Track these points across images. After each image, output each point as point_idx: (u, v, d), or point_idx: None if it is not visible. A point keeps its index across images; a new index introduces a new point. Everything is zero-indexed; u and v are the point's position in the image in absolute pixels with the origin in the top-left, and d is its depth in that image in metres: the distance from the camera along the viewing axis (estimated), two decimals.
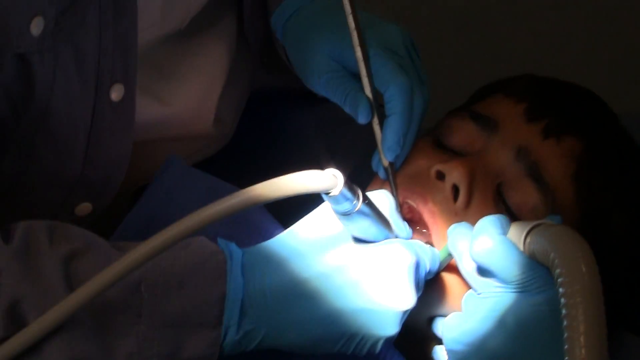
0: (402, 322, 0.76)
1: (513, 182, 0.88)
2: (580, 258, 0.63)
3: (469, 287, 0.81)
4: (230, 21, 1.07)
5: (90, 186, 0.92)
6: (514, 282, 0.70)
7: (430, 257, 0.79)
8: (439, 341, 0.88)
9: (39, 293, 0.69)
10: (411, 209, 0.88)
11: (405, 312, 0.75)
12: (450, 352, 0.74)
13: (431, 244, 0.86)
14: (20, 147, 0.86)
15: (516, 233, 0.71)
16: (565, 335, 0.61)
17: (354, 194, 0.69)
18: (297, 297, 0.72)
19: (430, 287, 0.85)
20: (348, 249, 0.75)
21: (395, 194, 0.88)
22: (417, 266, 0.76)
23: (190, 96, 1.03)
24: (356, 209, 0.70)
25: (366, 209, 0.72)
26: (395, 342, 0.89)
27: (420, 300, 0.85)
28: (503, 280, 0.71)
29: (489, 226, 0.72)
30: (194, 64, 1.04)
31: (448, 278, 0.86)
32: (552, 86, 1.00)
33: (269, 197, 0.64)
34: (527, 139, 0.90)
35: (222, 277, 0.71)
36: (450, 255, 0.83)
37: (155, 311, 0.70)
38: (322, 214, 0.77)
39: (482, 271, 0.74)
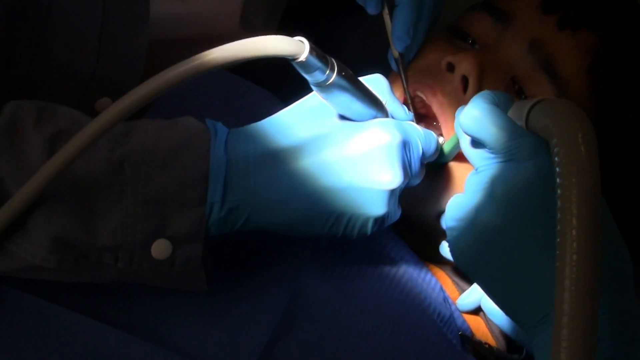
0: (390, 201, 0.73)
1: (526, 75, 0.86)
2: (580, 138, 0.59)
3: None
4: None
5: (107, 82, 0.90)
6: (502, 149, 0.66)
7: (423, 139, 0.76)
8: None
9: (22, 170, 0.67)
10: (423, 103, 0.85)
11: (391, 191, 0.72)
12: (447, 230, 0.71)
13: (442, 136, 0.83)
14: (29, 40, 0.84)
15: (518, 110, 0.67)
16: (558, 216, 0.58)
17: (326, 63, 0.66)
18: (281, 173, 0.70)
19: (439, 179, 0.83)
20: (333, 126, 0.72)
21: (406, 86, 0.85)
22: (405, 145, 0.73)
23: None
24: (331, 80, 0.67)
25: (344, 82, 0.68)
26: (404, 237, 0.87)
27: (429, 193, 0.83)
28: (492, 149, 0.67)
29: (479, 97, 0.69)
30: None
31: (457, 168, 0.84)
32: None
33: (231, 58, 0.61)
34: (541, 31, 0.87)
35: (205, 155, 0.68)
36: (456, 146, 0.80)
37: (138, 189, 0.67)
38: (309, 100, 0.74)
39: (475, 143, 0.70)
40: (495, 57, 0.86)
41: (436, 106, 0.85)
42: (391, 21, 0.85)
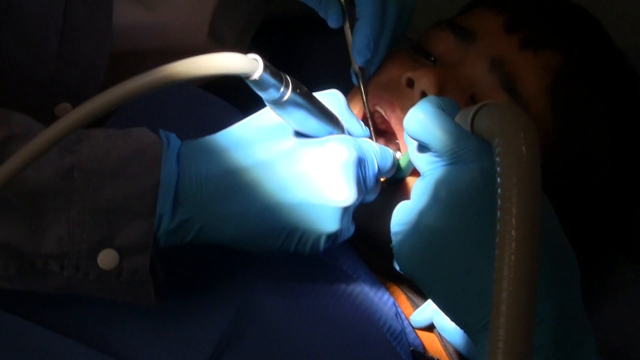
0: (344, 218, 0.72)
1: (486, 93, 0.85)
2: (521, 138, 0.58)
3: None
4: None
5: (67, 87, 0.89)
6: (447, 152, 0.66)
7: (379, 156, 0.75)
8: None
9: None
10: (382, 118, 0.85)
11: (345, 208, 0.71)
12: (393, 236, 0.70)
13: (399, 151, 0.83)
14: None
15: (464, 115, 0.67)
16: (498, 216, 0.57)
17: (280, 80, 0.65)
18: (233, 187, 0.69)
19: (395, 194, 0.82)
20: (288, 142, 0.71)
21: (365, 101, 0.85)
22: (360, 162, 0.72)
23: (177, 2, 1.00)
24: (285, 97, 0.66)
25: (299, 99, 0.67)
26: (359, 252, 0.86)
27: (385, 209, 0.82)
28: (437, 152, 0.66)
29: (424, 101, 0.69)
30: None
31: (410, 183, 0.83)
32: (539, 2, 0.96)
33: (184, 76, 0.59)
34: (503, 50, 0.87)
35: (157, 165, 0.67)
36: (411, 163, 0.79)
37: (87, 197, 0.66)
38: (265, 115, 0.73)
39: (421, 148, 0.70)
40: (456, 74, 0.86)
41: (394, 121, 0.85)
42: (352, 35, 0.85)
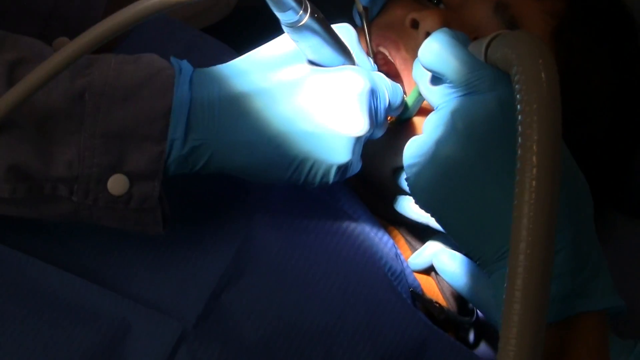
0: (355, 150, 0.71)
1: None
2: (540, 64, 0.58)
3: None
4: None
5: (66, 20, 0.87)
6: (463, 82, 0.65)
7: (390, 88, 0.74)
8: (404, 194, 0.85)
9: None
10: (385, 60, 0.84)
11: (357, 138, 0.70)
12: (407, 169, 0.69)
13: (404, 92, 0.82)
14: None
15: (477, 46, 0.66)
16: (519, 142, 0.57)
17: (300, 3, 0.64)
18: (247, 113, 0.68)
19: (398, 135, 0.81)
20: (303, 68, 0.70)
21: (369, 41, 0.84)
22: (372, 93, 0.71)
23: None
24: (303, 21, 0.65)
25: (316, 25, 0.67)
26: (359, 193, 0.85)
27: (387, 149, 0.81)
28: (452, 83, 0.66)
29: (438, 32, 0.68)
30: None
31: (418, 123, 0.82)
32: None
33: None
34: None
35: (169, 90, 0.66)
36: (419, 98, 0.78)
37: (97, 121, 0.65)
38: (279, 43, 0.72)
39: (434, 81, 0.69)
40: (461, 16, 0.85)
41: (399, 61, 0.84)
42: None
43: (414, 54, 0.79)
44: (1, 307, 0.70)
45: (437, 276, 0.86)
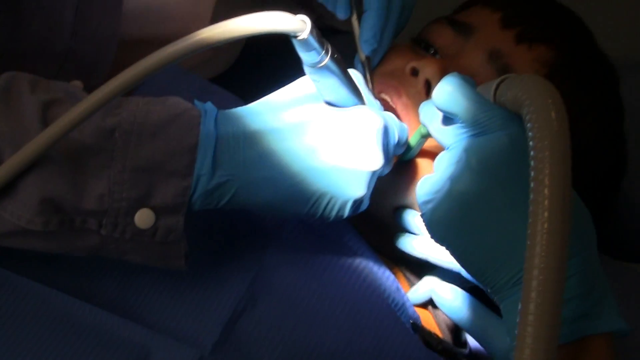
0: (370, 184, 0.75)
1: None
2: (550, 104, 0.62)
3: None
4: None
5: (80, 62, 0.91)
6: (474, 122, 0.70)
7: (399, 127, 0.79)
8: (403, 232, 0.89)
9: (16, 132, 0.68)
10: (387, 105, 0.89)
11: (372, 173, 0.74)
12: (422, 205, 0.73)
13: None
14: (7, 10, 0.85)
15: (486, 88, 0.71)
16: (532, 175, 0.61)
17: (322, 45, 0.69)
18: (270, 150, 0.71)
19: (399, 174, 0.86)
20: (320, 108, 0.74)
21: (371, 88, 0.88)
22: (386, 131, 0.76)
23: None
24: (324, 62, 0.70)
25: (334, 67, 0.71)
26: (360, 230, 0.89)
27: (389, 188, 0.85)
28: (464, 123, 0.70)
29: (450, 76, 0.72)
30: None
31: (419, 164, 0.87)
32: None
33: (238, 33, 0.64)
34: (500, 43, 0.91)
35: (195, 128, 0.70)
36: (421, 140, 0.83)
37: (127, 156, 0.69)
38: (297, 85, 0.77)
39: (446, 120, 0.73)
40: (456, 64, 0.90)
41: (400, 107, 0.88)
42: (359, 26, 0.88)
43: (414, 100, 0.85)
44: (34, 335, 0.73)
45: (434, 309, 0.90)
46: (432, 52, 0.94)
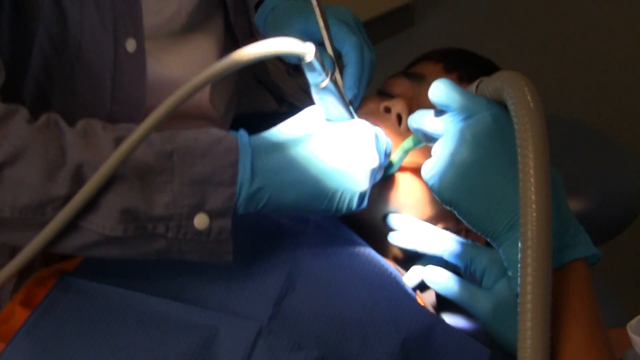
0: (371, 180, 0.93)
1: None
2: (525, 87, 0.81)
3: (419, 186, 1.05)
4: (218, 21, 1.28)
5: (118, 122, 1.05)
6: (464, 108, 0.88)
7: (385, 138, 0.98)
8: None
9: (97, 159, 0.84)
10: None
11: (372, 170, 0.92)
12: (429, 179, 0.91)
13: None
14: (63, 82, 1.02)
15: (469, 87, 0.91)
16: (518, 142, 0.80)
17: (324, 67, 0.85)
18: (293, 161, 0.88)
19: (385, 187, 1.06)
20: (325, 124, 0.93)
21: None
22: (378, 139, 0.95)
23: (187, 61, 1.21)
24: (325, 83, 0.87)
25: (333, 87, 0.89)
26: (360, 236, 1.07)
27: (378, 198, 1.04)
28: (456, 110, 0.89)
29: (440, 79, 0.91)
30: (187, 55, 1.22)
31: (400, 177, 1.07)
32: (461, 52, 1.27)
33: (254, 57, 0.78)
34: None
35: (235, 148, 0.86)
36: (403, 155, 1.02)
37: (184, 172, 0.85)
38: (305, 111, 0.95)
39: (438, 113, 0.92)
40: (417, 102, 1.12)
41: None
42: (342, 77, 1.08)
43: (391, 130, 1.08)
44: (122, 327, 0.89)
45: (421, 293, 1.06)
46: (394, 97, 1.16)
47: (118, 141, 0.85)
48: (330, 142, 0.91)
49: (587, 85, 2.66)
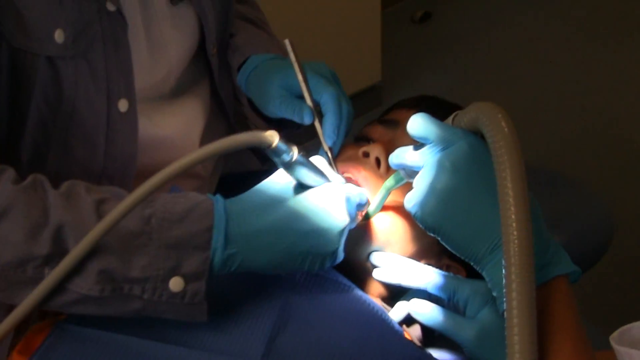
0: (342, 240, 0.97)
1: None
2: (499, 115, 0.86)
3: (402, 224, 1.09)
4: (205, 85, 1.34)
5: (111, 178, 1.13)
6: (442, 139, 0.92)
7: (357, 193, 1.02)
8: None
9: (78, 221, 0.89)
10: (350, 179, 1.12)
11: (342, 230, 0.97)
12: (411, 208, 0.94)
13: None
14: (58, 139, 1.07)
15: (445, 122, 0.96)
16: (496, 167, 0.84)
17: (290, 148, 0.89)
18: (264, 227, 0.93)
19: (367, 228, 1.09)
20: (296, 189, 0.96)
21: (336, 169, 1.11)
22: (348, 198, 0.99)
23: (176, 121, 1.27)
24: (294, 159, 0.90)
25: (302, 159, 0.92)
26: (345, 276, 1.10)
27: (360, 239, 1.08)
28: (434, 142, 0.93)
29: (418, 114, 0.96)
30: (177, 116, 1.28)
31: (383, 217, 1.11)
32: (433, 98, 1.33)
33: (224, 149, 0.85)
34: None
35: (210, 213, 0.91)
36: (386, 193, 1.06)
37: (162, 236, 0.89)
38: (276, 175, 0.99)
39: (417, 147, 0.96)
40: (392, 146, 1.14)
41: (361, 179, 1.12)
42: (321, 126, 1.14)
43: (370, 172, 1.13)
44: None
45: (407, 327, 1.09)
46: (371, 143, 1.20)
47: (99, 203, 0.91)
48: (301, 207, 0.95)
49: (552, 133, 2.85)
